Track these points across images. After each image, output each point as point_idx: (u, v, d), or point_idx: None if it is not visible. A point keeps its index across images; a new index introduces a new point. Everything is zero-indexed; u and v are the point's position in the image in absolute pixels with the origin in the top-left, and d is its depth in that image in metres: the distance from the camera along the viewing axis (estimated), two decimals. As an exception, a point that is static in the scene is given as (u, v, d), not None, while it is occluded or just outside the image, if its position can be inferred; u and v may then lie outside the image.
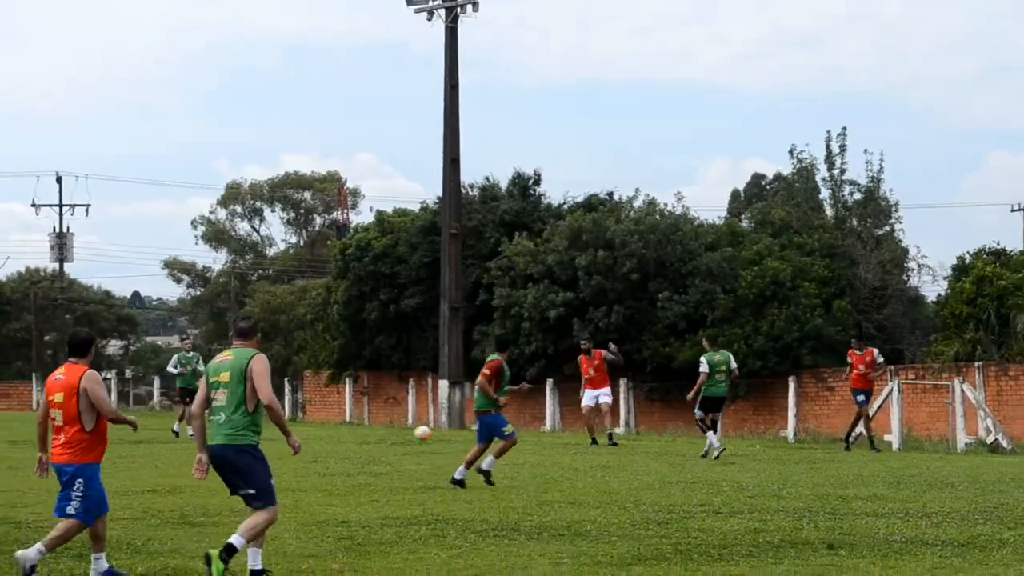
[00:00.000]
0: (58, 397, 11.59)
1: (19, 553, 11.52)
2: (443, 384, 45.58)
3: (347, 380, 56.62)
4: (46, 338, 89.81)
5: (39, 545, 11.58)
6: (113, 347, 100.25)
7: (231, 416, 11.52)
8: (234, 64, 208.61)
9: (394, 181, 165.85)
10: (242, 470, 11.56)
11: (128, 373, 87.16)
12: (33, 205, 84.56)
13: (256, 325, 12.51)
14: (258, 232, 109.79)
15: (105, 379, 79.10)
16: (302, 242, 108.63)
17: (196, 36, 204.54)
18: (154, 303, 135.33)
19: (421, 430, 26.58)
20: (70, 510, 11.62)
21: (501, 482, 20.39)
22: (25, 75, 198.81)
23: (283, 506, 16.72)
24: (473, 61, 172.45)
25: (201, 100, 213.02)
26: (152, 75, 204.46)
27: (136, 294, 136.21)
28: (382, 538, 14.01)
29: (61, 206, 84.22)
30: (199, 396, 11.80)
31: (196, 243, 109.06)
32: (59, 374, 11.78)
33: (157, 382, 68.38)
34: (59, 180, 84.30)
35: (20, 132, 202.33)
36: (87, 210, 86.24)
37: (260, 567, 11.56)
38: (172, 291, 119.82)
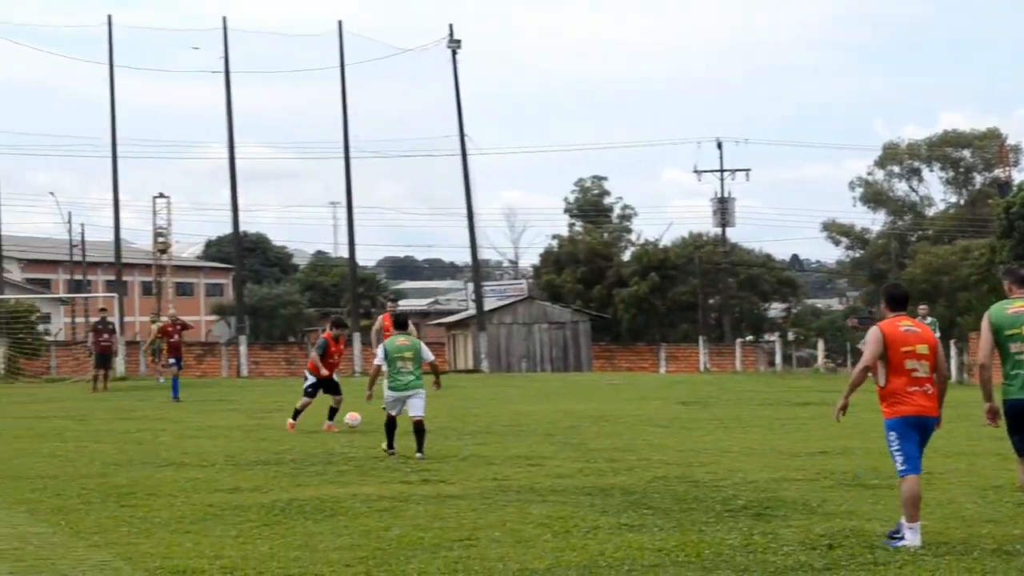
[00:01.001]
0: (921, 348, 11.37)
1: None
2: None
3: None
4: (710, 301, 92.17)
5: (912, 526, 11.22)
6: (774, 310, 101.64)
7: None
8: (889, 19, 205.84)
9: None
10: None
11: (790, 336, 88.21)
12: (695, 171, 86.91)
13: None
14: (916, 192, 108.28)
15: (767, 341, 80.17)
16: (962, 201, 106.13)
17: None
18: (813, 265, 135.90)
19: (350, 418, 23.39)
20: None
21: None
22: (680, 40, 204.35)
23: (957, 470, 16.48)
24: None
25: (856, 59, 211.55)
26: (805, 35, 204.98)
27: (795, 257, 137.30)
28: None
29: (722, 171, 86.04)
30: (983, 347, 11.42)
31: (854, 205, 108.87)
32: (907, 325, 11.49)
33: (820, 344, 68.72)
34: (719, 146, 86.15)
35: (681, 99, 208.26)
36: (747, 174, 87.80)
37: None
38: (831, 253, 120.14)
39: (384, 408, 19.52)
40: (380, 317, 28.10)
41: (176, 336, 36.91)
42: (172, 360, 36.39)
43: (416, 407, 18.96)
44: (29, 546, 11.37)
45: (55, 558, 10.76)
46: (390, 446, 19.20)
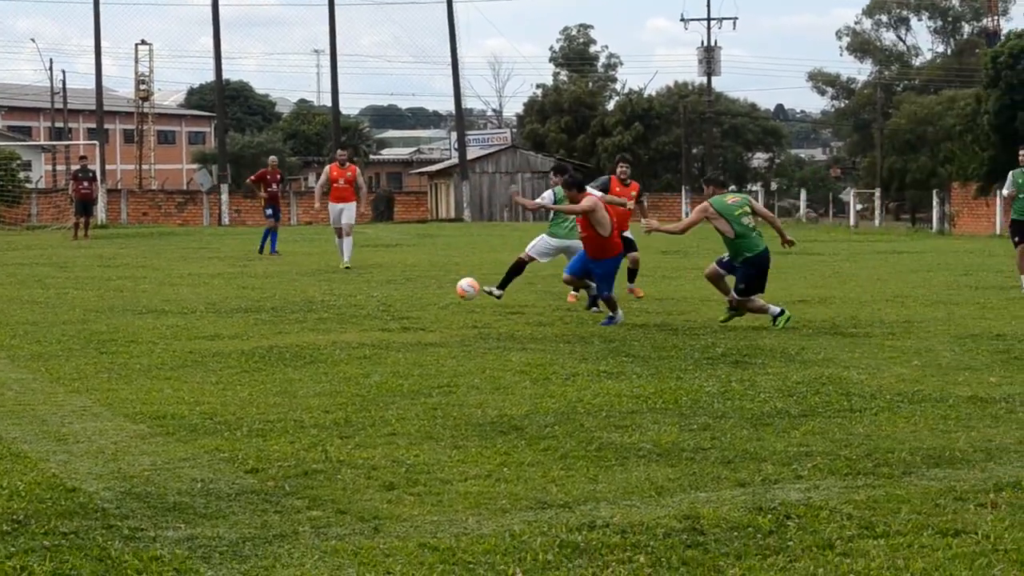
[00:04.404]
0: None
1: None
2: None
3: (997, 193, 54.88)
4: (694, 151, 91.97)
5: None
6: (758, 160, 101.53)
7: None
8: None
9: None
10: None
11: (773, 186, 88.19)
12: (682, 20, 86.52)
13: None
14: (903, 42, 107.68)
15: (751, 191, 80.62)
16: (949, 51, 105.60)
17: None
18: (798, 115, 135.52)
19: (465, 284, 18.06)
20: None
21: None
22: None
23: (935, 319, 16.56)
24: None
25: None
26: None
27: (780, 107, 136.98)
28: (1040, 354, 13.54)
29: (709, 19, 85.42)
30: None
31: (840, 54, 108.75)
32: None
33: (803, 195, 68.77)
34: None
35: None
36: (734, 23, 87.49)
37: None
38: (816, 103, 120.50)
39: (530, 253, 18.57)
40: (327, 167, 27.78)
41: (275, 185, 33.72)
42: (269, 211, 33.35)
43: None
44: (9, 392, 11.39)
45: (35, 404, 10.78)
46: (500, 286, 18.36)
